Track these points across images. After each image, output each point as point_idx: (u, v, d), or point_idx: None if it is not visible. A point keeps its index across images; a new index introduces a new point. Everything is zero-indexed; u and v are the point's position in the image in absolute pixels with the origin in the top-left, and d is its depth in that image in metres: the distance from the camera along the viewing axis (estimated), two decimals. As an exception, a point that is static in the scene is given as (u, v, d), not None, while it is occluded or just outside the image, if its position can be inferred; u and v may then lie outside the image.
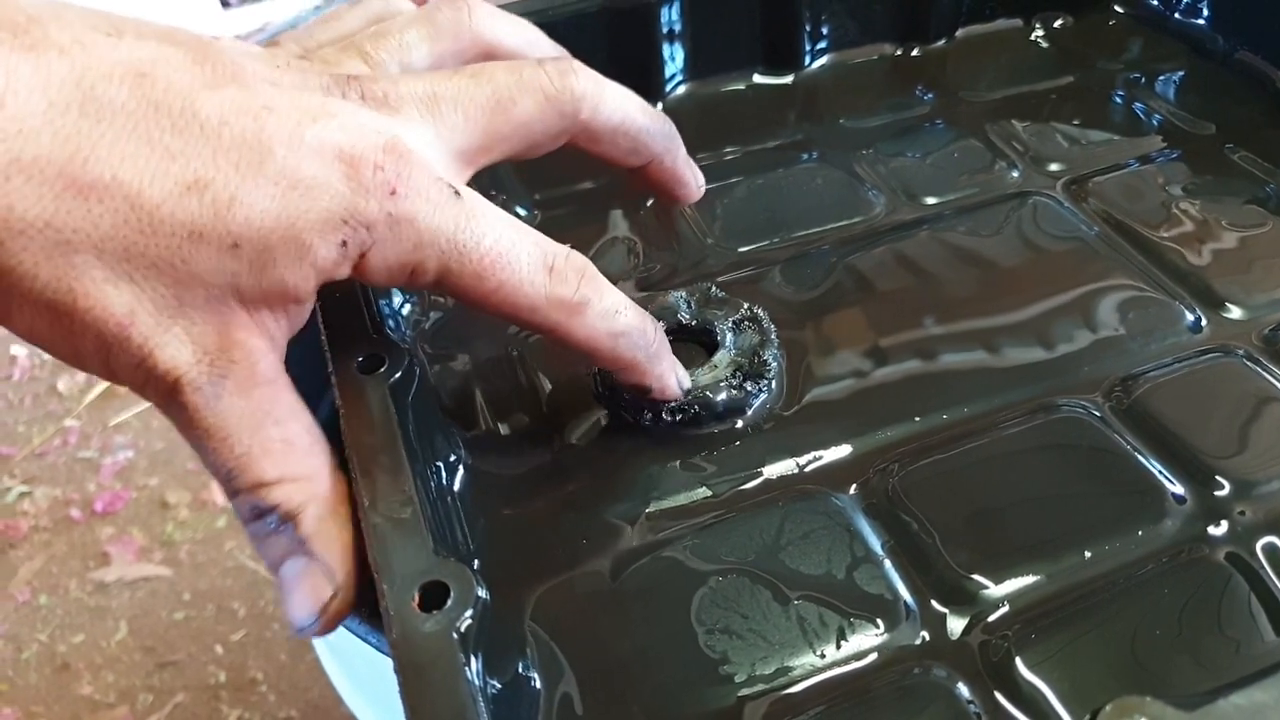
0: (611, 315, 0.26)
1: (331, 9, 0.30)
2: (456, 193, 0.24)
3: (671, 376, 0.29)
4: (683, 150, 0.31)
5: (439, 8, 0.29)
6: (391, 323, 0.31)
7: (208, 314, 0.22)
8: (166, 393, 0.22)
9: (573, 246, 0.26)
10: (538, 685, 0.24)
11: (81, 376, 1.20)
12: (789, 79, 0.45)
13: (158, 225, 0.21)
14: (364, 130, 0.23)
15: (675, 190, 0.31)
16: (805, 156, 0.42)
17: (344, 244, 0.23)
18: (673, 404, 0.30)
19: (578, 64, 0.28)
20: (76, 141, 0.20)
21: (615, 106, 0.28)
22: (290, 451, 0.23)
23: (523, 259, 0.25)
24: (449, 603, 0.20)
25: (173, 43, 0.22)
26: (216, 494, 1.06)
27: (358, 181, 0.23)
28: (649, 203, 0.39)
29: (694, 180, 0.31)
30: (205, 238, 0.21)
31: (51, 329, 0.21)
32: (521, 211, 0.39)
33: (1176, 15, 0.46)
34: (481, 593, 0.21)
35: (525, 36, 0.30)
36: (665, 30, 0.43)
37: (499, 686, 0.22)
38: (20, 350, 1.25)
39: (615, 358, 0.27)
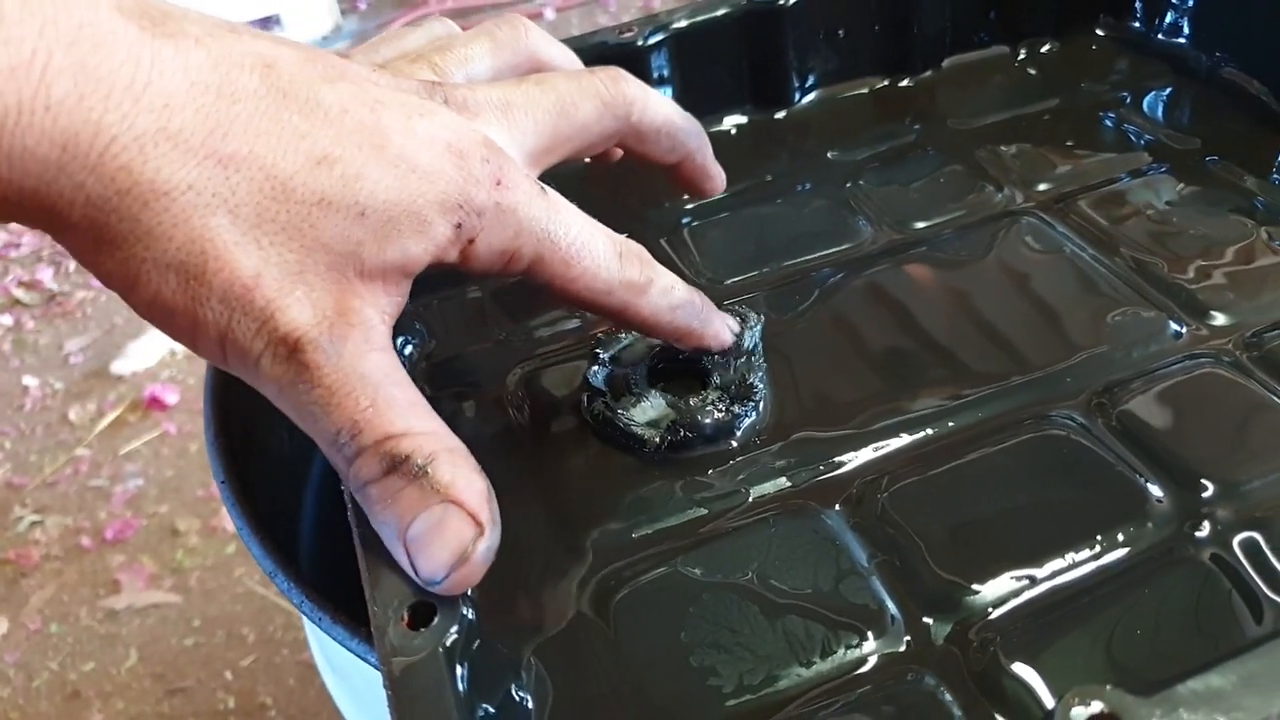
0: (669, 291, 0.29)
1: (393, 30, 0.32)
2: (543, 188, 0.27)
3: (725, 331, 0.32)
4: (710, 148, 0.34)
5: (499, 26, 0.32)
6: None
7: (327, 281, 0.24)
8: (287, 354, 0.23)
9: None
10: (530, 706, 0.24)
11: (92, 405, 1.21)
12: (779, 115, 0.46)
13: (290, 193, 0.23)
14: (462, 127, 0.26)
15: (704, 184, 0.35)
16: (797, 189, 0.42)
17: (458, 226, 0.25)
18: (663, 431, 0.31)
19: (624, 72, 0.31)
20: (216, 118, 0.22)
21: (658, 109, 0.31)
22: (414, 408, 0.24)
23: (599, 247, 0.27)
24: (435, 620, 0.21)
25: (284, 44, 0.25)
26: (226, 521, 1.06)
27: (468, 171, 0.25)
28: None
29: (719, 175, 0.35)
30: (334, 205, 0.23)
31: (176, 295, 0.23)
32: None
33: (1159, 36, 0.47)
34: (467, 611, 0.21)
35: (568, 56, 0.33)
36: (655, 75, 0.44)
37: (491, 710, 0.23)
38: (32, 381, 1.26)
39: (675, 328, 0.30)
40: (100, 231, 0.22)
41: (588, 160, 0.34)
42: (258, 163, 0.22)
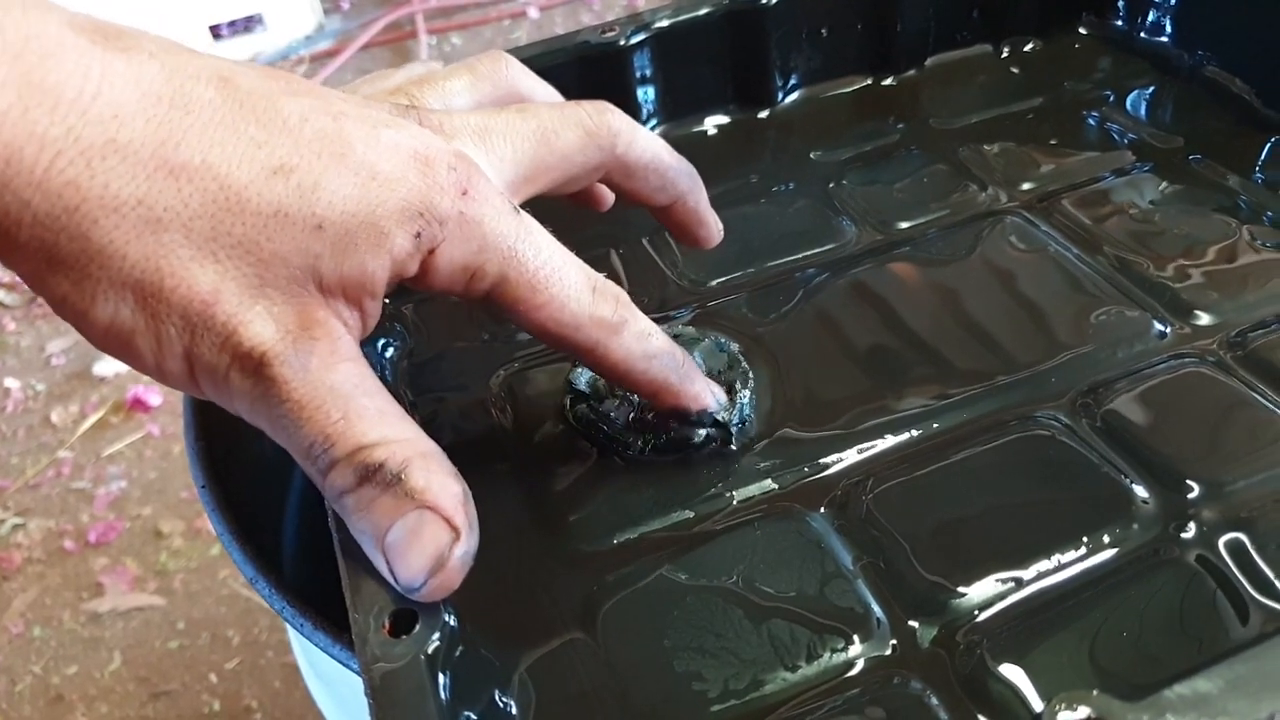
0: (645, 337, 0.28)
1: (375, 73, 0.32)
2: (515, 207, 0.26)
3: (708, 395, 0.30)
4: (704, 195, 0.33)
5: (479, 60, 0.31)
6: (375, 365, 0.31)
7: (288, 295, 0.23)
8: (253, 370, 0.23)
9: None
10: (514, 712, 0.24)
11: (75, 407, 1.20)
12: (762, 114, 0.46)
13: (245, 204, 0.22)
14: (431, 139, 0.25)
15: (697, 230, 0.33)
16: (780, 189, 0.42)
17: (418, 235, 0.24)
18: (647, 434, 0.30)
19: (611, 105, 0.30)
20: (168, 128, 0.21)
21: (646, 145, 0.30)
22: (385, 417, 0.23)
23: (570, 277, 0.26)
24: (417, 628, 0.21)
25: (245, 64, 0.24)
26: (209, 523, 1.06)
27: (432, 178, 0.24)
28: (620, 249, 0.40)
29: (714, 223, 0.33)
30: (290, 218, 0.22)
31: (136, 315, 0.22)
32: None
33: (1142, 34, 0.47)
34: (449, 618, 0.21)
35: (550, 91, 0.32)
36: (638, 75, 0.43)
37: (474, 717, 0.22)
38: (13, 383, 1.25)
39: (649, 379, 0.28)
40: (50, 252, 0.21)
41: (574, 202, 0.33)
42: (210, 173, 0.22)
